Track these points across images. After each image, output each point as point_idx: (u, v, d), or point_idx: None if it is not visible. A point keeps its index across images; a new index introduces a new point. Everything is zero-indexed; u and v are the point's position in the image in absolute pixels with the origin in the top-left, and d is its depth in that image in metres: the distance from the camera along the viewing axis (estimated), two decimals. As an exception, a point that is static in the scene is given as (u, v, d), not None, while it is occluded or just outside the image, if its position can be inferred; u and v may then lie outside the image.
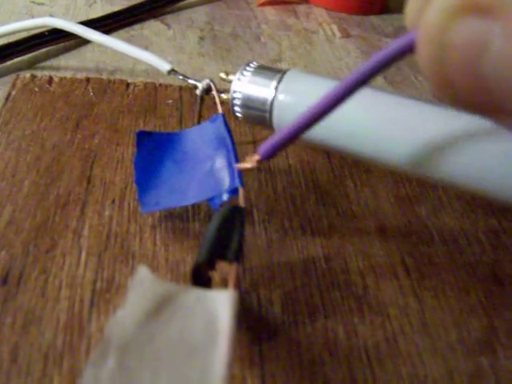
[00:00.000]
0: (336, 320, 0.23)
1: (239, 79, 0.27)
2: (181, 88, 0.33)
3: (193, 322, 0.18)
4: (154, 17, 0.42)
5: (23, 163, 0.28)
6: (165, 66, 0.29)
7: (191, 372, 0.17)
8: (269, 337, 0.22)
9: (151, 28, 0.41)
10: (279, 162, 0.30)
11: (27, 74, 0.33)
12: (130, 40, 0.39)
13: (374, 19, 0.47)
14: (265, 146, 0.21)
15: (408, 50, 0.16)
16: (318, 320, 0.23)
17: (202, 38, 0.41)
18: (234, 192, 0.23)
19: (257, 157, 0.21)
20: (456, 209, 0.29)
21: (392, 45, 0.16)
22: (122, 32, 0.40)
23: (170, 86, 0.34)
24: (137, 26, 0.41)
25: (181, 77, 0.29)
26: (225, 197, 0.24)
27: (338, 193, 0.29)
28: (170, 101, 0.33)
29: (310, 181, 0.29)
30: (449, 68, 0.14)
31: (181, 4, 0.44)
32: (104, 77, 0.35)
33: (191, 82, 0.28)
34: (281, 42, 0.42)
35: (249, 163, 0.22)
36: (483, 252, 0.27)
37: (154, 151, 0.27)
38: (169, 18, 0.43)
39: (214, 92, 0.27)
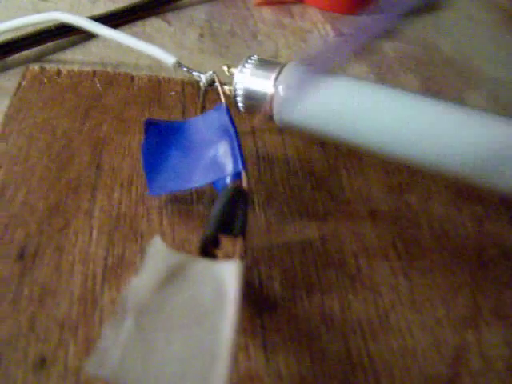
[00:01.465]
0: (331, 296, 0.25)
1: (241, 71, 0.28)
2: (183, 81, 0.35)
3: (202, 288, 0.20)
4: (156, 14, 0.44)
5: (35, 149, 0.29)
6: (170, 59, 0.30)
7: (202, 333, 0.18)
8: (269, 310, 0.24)
9: (153, 25, 0.43)
10: (277, 152, 0.31)
11: (36, 66, 0.35)
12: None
13: (367, 19, 0.49)
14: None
15: None
16: (314, 296, 0.25)
17: (201, 35, 0.42)
18: (237, 175, 0.25)
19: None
20: (444, 197, 0.31)
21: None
22: (124, 29, 0.42)
23: (173, 79, 0.35)
24: (139, 23, 0.42)
25: (185, 69, 0.30)
26: (228, 180, 0.25)
27: (332, 180, 0.31)
28: (173, 93, 0.34)
29: (307, 169, 0.31)
30: None
31: (181, 2, 0.46)
32: (109, 70, 0.36)
33: (195, 74, 0.30)
34: (277, 40, 0.43)
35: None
36: (468, 236, 0.29)
37: (161, 138, 0.28)
38: (170, 15, 0.44)
39: (218, 83, 0.29)
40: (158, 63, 0.34)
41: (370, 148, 0.27)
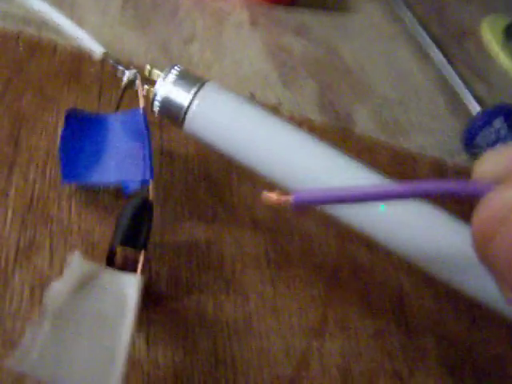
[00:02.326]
0: (207, 297, 0.30)
1: (164, 79, 0.31)
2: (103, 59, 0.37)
3: (107, 297, 0.24)
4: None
5: (-44, 115, 0.31)
6: (99, 50, 0.32)
7: (104, 337, 0.23)
8: (154, 304, 0.28)
9: (78, -18, 0.44)
10: (180, 149, 0.35)
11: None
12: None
13: (282, 11, 0.52)
14: (303, 195, 0.20)
15: (469, 195, 0.18)
16: (193, 295, 0.30)
17: (125, 2, 0.44)
18: (144, 182, 0.29)
19: (289, 199, 0.20)
20: (317, 215, 0.36)
21: (453, 184, 0.18)
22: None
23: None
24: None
25: (112, 62, 0.32)
26: (135, 185, 0.29)
27: (224, 184, 0.35)
28: (92, 69, 0.36)
29: (203, 170, 0.35)
30: (494, 251, 0.17)
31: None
32: (33, 31, 0.37)
33: (120, 68, 0.32)
34: (195, 20, 0.46)
35: (275, 198, 0.20)
36: (329, 254, 0.35)
37: (79, 129, 0.31)
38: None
39: (139, 85, 0.31)
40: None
41: (259, 172, 0.31)
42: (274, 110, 0.41)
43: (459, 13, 0.69)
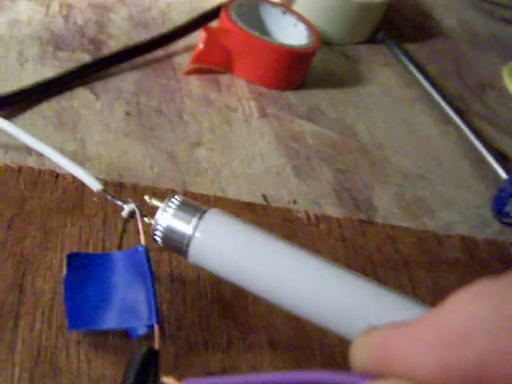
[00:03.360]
0: None
1: (163, 211, 0.31)
2: (106, 183, 0.37)
3: None
4: (84, 83, 0.45)
5: (-41, 268, 0.31)
6: (95, 186, 0.32)
7: None
8: None
9: (80, 98, 0.44)
10: (190, 273, 0.34)
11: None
12: (60, 113, 0.42)
13: (290, 96, 0.51)
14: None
15: None
16: None
17: (128, 114, 0.44)
18: (150, 328, 0.28)
19: None
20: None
21: (329, 375, 0.18)
22: (53, 101, 0.42)
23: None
24: (67, 95, 0.43)
25: (109, 197, 0.32)
26: (142, 330, 0.28)
27: (238, 306, 0.34)
28: (95, 199, 0.36)
29: (216, 292, 0.34)
30: None
31: (110, 70, 0.47)
32: (34, 158, 0.37)
33: (119, 203, 0.32)
34: (202, 121, 0.45)
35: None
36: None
37: (82, 271, 0.30)
38: (98, 85, 0.45)
39: (138, 219, 0.31)
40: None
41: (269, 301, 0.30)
42: (288, 212, 0.40)
43: (477, 63, 0.68)
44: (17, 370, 0.28)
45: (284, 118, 0.49)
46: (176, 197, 0.31)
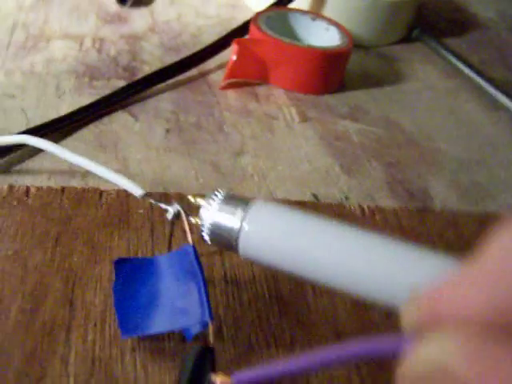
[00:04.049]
0: None
1: (207, 207, 0.29)
2: (151, 194, 0.36)
3: None
4: (121, 107, 0.45)
5: (9, 287, 0.30)
6: (138, 192, 0.31)
7: None
8: None
9: (119, 121, 0.43)
10: (244, 272, 0.33)
11: (5, 186, 0.35)
12: (99, 136, 0.41)
13: (330, 99, 0.50)
14: (241, 377, 0.22)
15: (391, 354, 0.16)
16: None
17: (168, 131, 0.43)
18: (204, 325, 0.26)
19: (231, 382, 0.23)
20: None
21: (376, 343, 0.17)
22: (92, 126, 0.42)
23: (141, 193, 0.36)
24: (105, 120, 0.43)
25: (153, 201, 0.31)
26: (196, 329, 0.27)
27: (298, 302, 0.32)
28: (141, 210, 0.35)
29: (273, 291, 0.32)
30: None
31: (147, 92, 0.46)
32: (77, 180, 0.37)
33: (162, 206, 0.31)
34: (243, 130, 0.45)
35: (223, 380, 0.23)
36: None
37: (131, 277, 0.29)
38: (136, 108, 0.45)
39: (184, 219, 0.30)
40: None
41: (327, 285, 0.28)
42: (341, 207, 0.38)
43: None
44: (71, 381, 0.27)
45: (326, 120, 0.47)
46: (219, 191, 0.30)
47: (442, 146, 0.47)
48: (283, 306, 0.31)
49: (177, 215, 0.31)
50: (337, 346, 0.18)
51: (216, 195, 0.30)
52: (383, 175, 0.43)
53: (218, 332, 0.30)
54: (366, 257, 0.26)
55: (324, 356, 0.19)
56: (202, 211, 0.30)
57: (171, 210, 0.31)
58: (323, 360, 0.19)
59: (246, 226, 0.28)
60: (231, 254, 0.33)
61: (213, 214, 0.29)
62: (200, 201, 0.31)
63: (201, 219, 0.29)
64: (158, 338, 0.29)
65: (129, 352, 0.28)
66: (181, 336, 0.29)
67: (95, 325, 0.29)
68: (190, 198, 0.31)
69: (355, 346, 0.17)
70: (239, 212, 0.29)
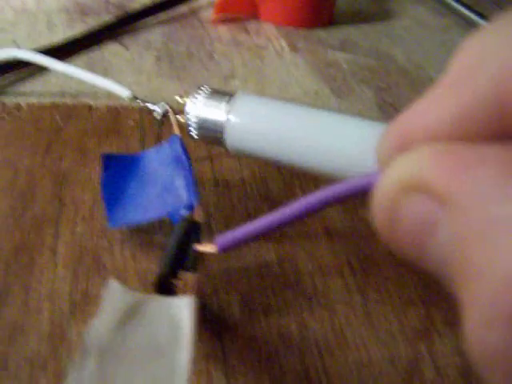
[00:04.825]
0: (289, 316, 0.26)
1: (192, 102, 0.30)
2: (142, 109, 0.36)
3: (158, 325, 0.21)
4: (113, 38, 0.45)
5: (-1, 188, 0.30)
6: (124, 92, 0.31)
7: (160, 370, 0.20)
8: (229, 334, 0.25)
9: (110, 50, 0.43)
10: (235, 176, 0.33)
11: (-4, 102, 0.36)
12: (90, 63, 0.42)
13: (321, 32, 0.50)
14: (223, 239, 0.22)
15: (366, 191, 0.16)
16: (272, 317, 0.26)
17: (158, 58, 0.43)
18: (190, 208, 0.26)
19: (214, 247, 0.22)
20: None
21: (349, 182, 0.17)
22: (82, 55, 0.42)
23: (132, 107, 0.36)
24: (96, 49, 0.43)
25: (139, 101, 0.31)
26: (183, 212, 0.27)
27: (287, 200, 0.32)
28: (132, 121, 0.35)
29: (263, 192, 0.32)
30: (397, 237, 0.14)
31: (138, 25, 0.46)
32: (68, 101, 0.37)
33: (149, 105, 0.31)
34: (233, 59, 0.45)
35: (206, 248, 0.23)
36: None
37: (118, 171, 0.29)
38: (127, 39, 0.45)
39: (171, 114, 0.30)
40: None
41: (314, 170, 0.28)
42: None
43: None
44: (60, 269, 0.27)
45: (316, 50, 0.47)
46: (204, 87, 0.30)
47: (433, 76, 0.47)
48: (272, 205, 0.31)
49: (164, 113, 0.31)
50: (315, 193, 0.18)
51: (201, 91, 0.30)
52: (374, 98, 0.43)
53: (208, 227, 0.30)
54: (339, 133, 0.27)
55: (304, 203, 0.19)
56: (187, 107, 0.30)
57: (159, 109, 0.31)
58: (304, 207, 0.19)
59: (231, 118, 0.29)
60: (221, 159, 0.34)
61: (199, 109, 0.30)
62: (186, 100, 0.31)
63: (186, 114, 0.30)
64: (146, 231, 0.29)
65: (118, 243, 0.28)
66: (169, 229, 0.29)
67: (84, 218, 0.29)
68: (177, 97, 0.31)
69: (334, 188, 0.17)
70: (224, 105, 0.29)
